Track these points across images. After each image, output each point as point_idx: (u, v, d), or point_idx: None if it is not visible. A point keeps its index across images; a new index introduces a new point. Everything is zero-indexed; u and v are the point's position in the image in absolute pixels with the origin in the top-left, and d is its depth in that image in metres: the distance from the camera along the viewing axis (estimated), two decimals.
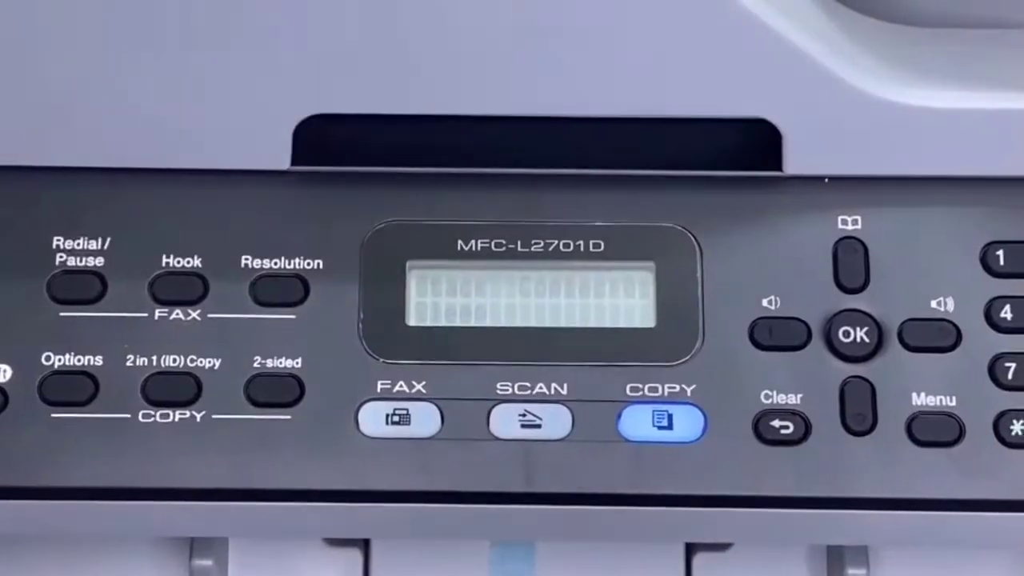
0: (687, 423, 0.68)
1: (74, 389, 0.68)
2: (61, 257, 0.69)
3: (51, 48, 0.67)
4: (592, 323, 0.70)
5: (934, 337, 0.69)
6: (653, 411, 0.68)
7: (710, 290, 0.70)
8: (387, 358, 0.69)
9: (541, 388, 0.69)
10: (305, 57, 0.67)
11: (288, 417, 0.68)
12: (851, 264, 0.70)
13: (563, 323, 0.70)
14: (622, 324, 0.70)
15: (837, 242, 0.70)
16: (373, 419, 0.68)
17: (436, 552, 0.78)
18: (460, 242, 0.70)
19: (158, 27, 0.66)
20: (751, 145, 0.70)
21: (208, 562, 0.76)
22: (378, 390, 0.68)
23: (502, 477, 0.68)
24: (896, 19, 0.72)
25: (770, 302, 0.69)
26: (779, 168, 0.71)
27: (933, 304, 0.69)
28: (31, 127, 0.69)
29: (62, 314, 0.69)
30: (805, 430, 0.68)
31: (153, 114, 0.69)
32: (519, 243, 0.70)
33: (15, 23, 0.66)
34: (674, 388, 0.69)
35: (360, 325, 0.69)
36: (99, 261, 0.69)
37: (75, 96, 0.68)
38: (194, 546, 0.76)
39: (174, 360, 0.69)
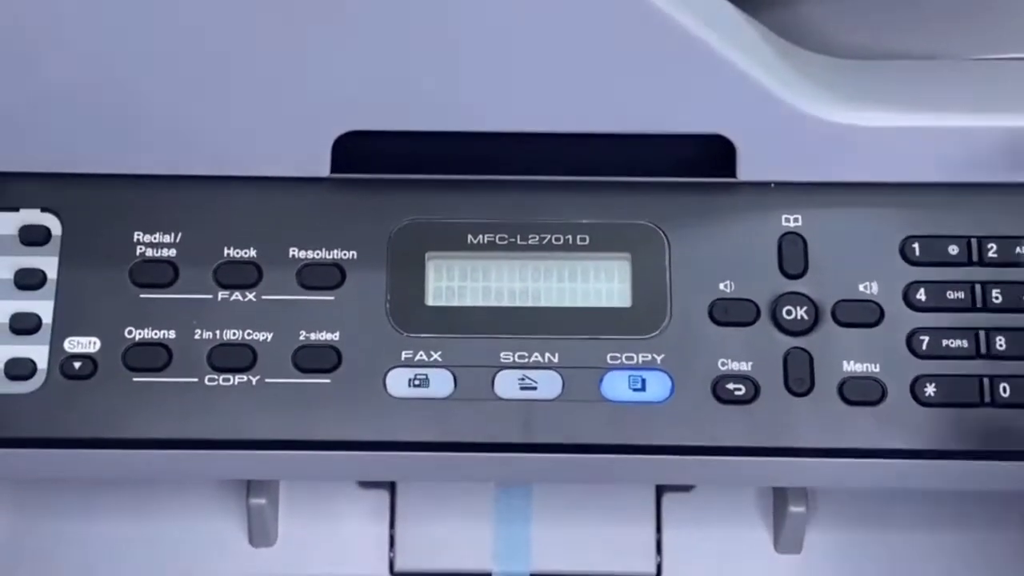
0: (657, 386, 0.69)
1: (151, 358, 0.69)
2: (140, 249, 0.70)
3: (142, 79, 0.68)
4: (579, 303, 0.70)
5: (861, 315, 0.70)
6: (629, 376, 0.69)
7: (676, 276, 0.70)
8: (410, 332, 0.69)
9: (537, 357, 0.69)
10: (342, 83, 0.68)
11: (328, 381, 0.69)
12: (793, 255, 0.70)
13: (555, 303, 0.70)
14: (604, 304, 0.70)
15: (781, 236, 0.71)
16: (398, 382, 0.69)
17: (450, 492, 0.79)
18: (470, 236, 0.71)
19: (221, 62, 0.67)
20: (710, 156, 0.71)
21: (262, 500, 0.77)
22: (402, 359, 0.69)
23: (505, 430, 0.68)
24: (828, 52, 0.73)
25: (726, 286, 0.70)
26: (733, 175, 0.71)
27: (860, 288, 0.70)
28: (118, 141, 0.70)
29: (141, 296, 0.69)
30: (755, 392, 0.69)
31: (217, 131, 0.70)
32: (518, 237, 0.71)
33: (106, 60, 0.67)
34: (647, 357, 0.69)
35: (387, 305, 0.70)
36: (172, 252, 0.70)
37: (155, 117, 0.69)
38: (250, 487, 0.77)
39: (234, 334, 0.69)
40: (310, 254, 0.71)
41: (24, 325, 0.69)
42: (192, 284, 0.70)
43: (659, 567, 0.79)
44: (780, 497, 0.78)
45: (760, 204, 0.71)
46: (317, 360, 0.69)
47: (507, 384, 0.69)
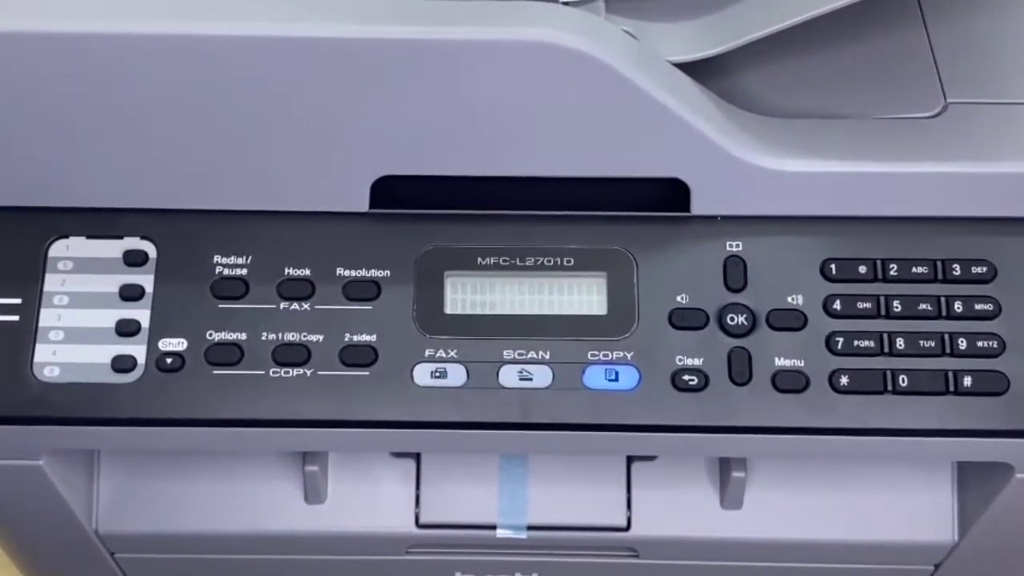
0: (628, 377, 0.69)
1: (227, 355, 0.69)
2: (219, 269, 0.70)
3: (223, 136, 0.67)
4: (566, 312, 0.70)
5: (789, 321, 0.69)
6: (605, 369, 0.69)
7: (643, 290, 0.70)
8: (432, 334, 0.69)
9: (532, 354, 0.69)
10: (379, 139, 0.68)
11: (367, 373, 0.68)
12: (735, 273, 0.70)
13: (547, 312, 0.70)
14: (585, 312, 0.70)
15: (726, 258, 0.70)
16: (423, 374, 0.69)
17: (464, 461, 0.79)
18: (479, 258, 0.71)
19: (285, 123, 0.67)
20: (670, 195, 0.70)
21: (315, 467, 0.76)
22: (425, 355, 0.69)
23: (507, 413, 0.68)
24: (762, 112, 0.72)
25: (682, 298, 0.70)
26: (688, 210, 0.70)
27: (789, 299, 0.70)
28: (202, 184, 0.69)
29: (219, 306, 0.69)
30: (705, 382, 0.68)
31: (280, 175, 0.69)
32: (518, 259, 0.71)
33: (195, 124, 0.67)
34: (620, 354, 0.69)
35: (414, 312, 0.70)
36: (244, 271, 0.70)
37: (231, 164, 0.69)
38: (305, 457, 0.76)
39: (292, 336, 0.69)
40: (353, 273, 0.70)
41: (127, 329, 0.69)
42: (260, 296, 0.70)
43: (629, 520, 0.79)
44: (725, 465, 0.78)
45: (709, 233, 0.71)
46: (358, 357, 0.69)
47: (509, 376, 0.69)
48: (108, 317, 0.70)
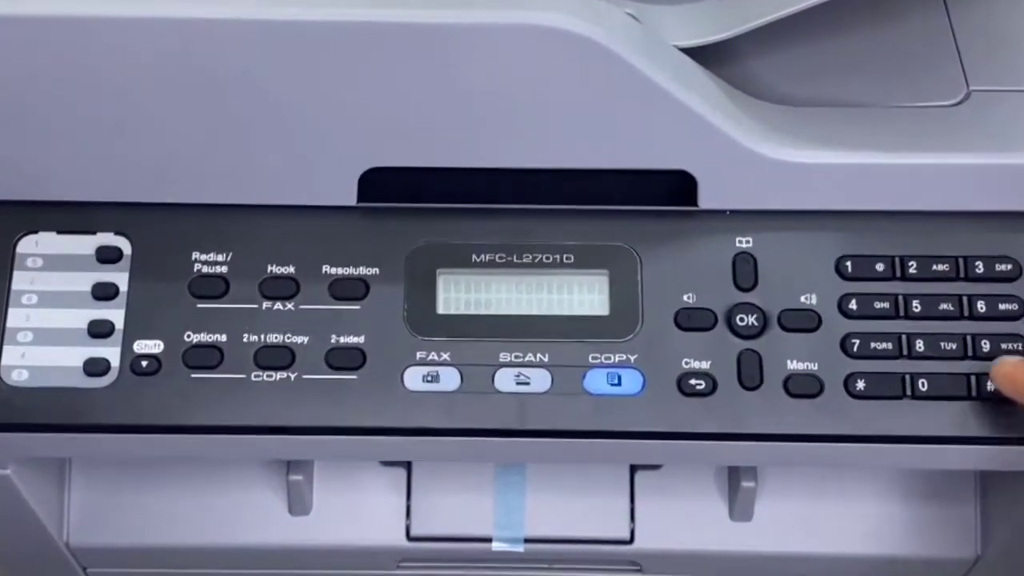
0: (631, 381, 0.68)
1: (207, 357, 0.68)
2: (197, 266, 0.69)
3: (202, 126, 0.66)
4: (565, 312, 0.69)
5: (802, 322, 0.69)
6: (607, 373, 0.68)
7: (647, 289, 0.69)
8: (423, 336, 0.69)
9: (530, 357, 0.68)
10: (367, 128, 0.67)
11: (355, 377, 0.68)
12: (745, 271, 0.69)
13: (545, 312, 0.69)
14: (586, 313, 0.69)
15: (735, 255, 0.70)
16: (414, 378, 0.68)
17: (457, 470, 0.78)
18: (474, 255, 0.70)
19: (268, 112, 0.66)
20: (676, 188, 0.70)
21: (299, 477, 0.76)
22: (417, 358, 0.68)
23: (503, 419, 0.68)
24: (774, 101, 0.72)
25: (689, 297, 0.69)
26: (695, 204, 0.70)
27: (802, 299, 0.69)
28: (179, 176, 0.69)
29: (198, 306, 0.69)
30: (713, 386, 0.68)
31: (262, 167, 0.69)
32: (515, 256, 0.70)
33: (173, 112, 0.66)
34: (622, 357, 0.68)
35: (404, 313, 0.69)
36: (224, 269, 0.69)
37: (211, 155, 0.68)
38: (290, 466, 0.76)
39: (276, 337, 0.68)
40: (340, 270, 0.70)
41: (100, 330, 0.69)
42: (241, 296, 0.69)
43: (632, 532, 0.78)
44: (734, 474, 0.77)
45: (717, 228, 0.70)
46: (346, 360, 0.68)
47: (505, 380, 0.68)
48: (80, 317, 0.69)
